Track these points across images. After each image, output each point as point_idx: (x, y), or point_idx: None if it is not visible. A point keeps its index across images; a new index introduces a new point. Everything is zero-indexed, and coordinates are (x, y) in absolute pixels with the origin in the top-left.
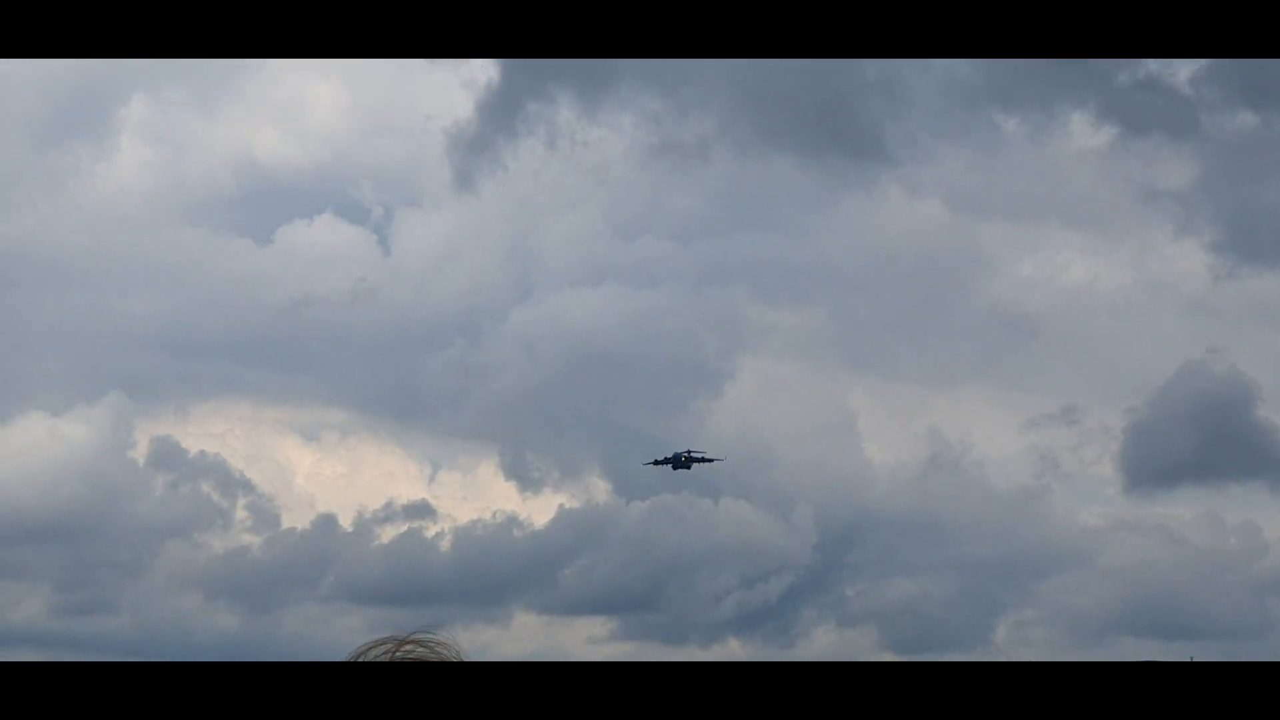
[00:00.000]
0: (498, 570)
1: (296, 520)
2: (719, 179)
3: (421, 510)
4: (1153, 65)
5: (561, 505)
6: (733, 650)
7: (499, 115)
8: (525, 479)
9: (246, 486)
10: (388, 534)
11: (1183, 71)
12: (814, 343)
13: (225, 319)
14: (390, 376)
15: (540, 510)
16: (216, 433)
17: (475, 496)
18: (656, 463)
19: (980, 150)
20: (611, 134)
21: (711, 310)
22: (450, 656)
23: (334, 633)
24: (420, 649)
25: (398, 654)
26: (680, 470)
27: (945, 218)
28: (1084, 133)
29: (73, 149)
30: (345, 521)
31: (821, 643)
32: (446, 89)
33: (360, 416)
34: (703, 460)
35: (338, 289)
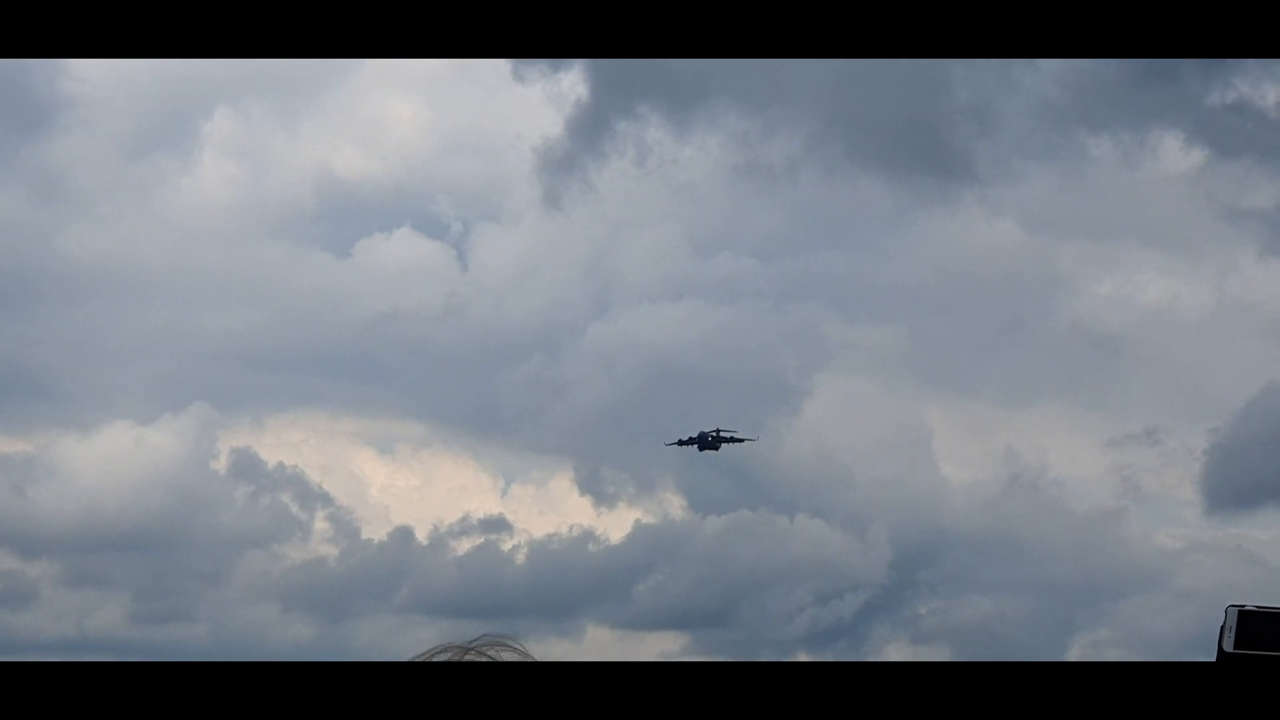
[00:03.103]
0: (572, 584)
1: (374, 532)
2: (802, 198)
3: (497, 524)
4: (1243, 88)
5: (638, 520)
6: None
7: (587, 134)
8: (600, 494)
9: (325, 499)
10: (463, 546)
11: (1271, 95)
12: (891, 361)
13: (304, 331)
14: (467, 390)
15: (616, 525)
16: (292, 443)
17: (550, 510)
18: (681, 443)
19: (1067, 171)
20: (698, 153)
21: (790, 327)
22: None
23: (406, 644)
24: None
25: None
26: (708, 451)
27: (1023, 237)
28: (1173, 156)
29: (158, 162)
30: (421, 534)
31: (894, 660)
32: (528, 106)
33: (435, 429)
34: (733, 440)
35: (424, 303)
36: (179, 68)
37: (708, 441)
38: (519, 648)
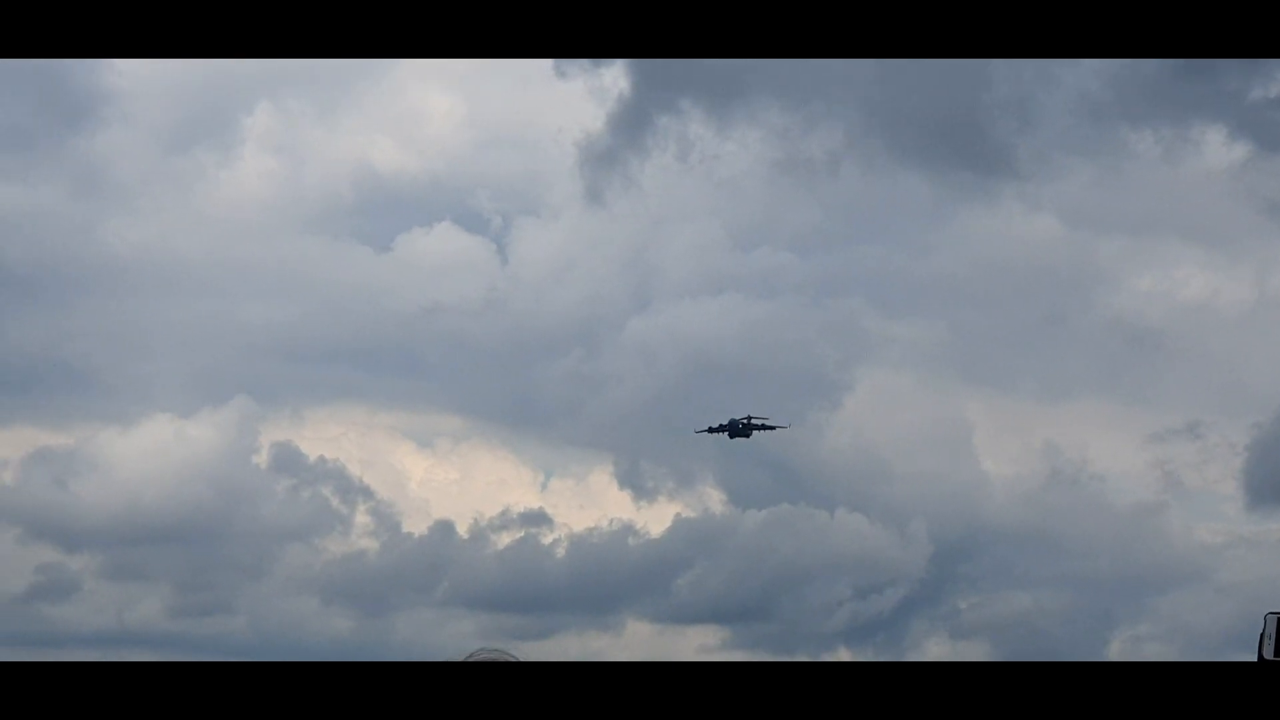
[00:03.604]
0: (612, 578)
1: (415, 526)
2: (842, 192)
3: (538, 518)
4: None
5: (678, 514)
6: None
7: (629, 129)
8: (640, 488)
9: (366, 492)
10: (503, 540)
11: None
12: (931, 355)
13: (343, 325)
14: (506, 384)
15: (656, 519)
16: (331, 436)
17: (590, 504)
18: (711, 430)
19: (1107, 167)
20: (739, 148)
21: (830, 322)
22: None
23: (446, 637)
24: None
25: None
26: (739, 438)
27: (1063, 232)
28: (1216, 151)
29: (198, 156)
30: (462, 528)
31: (933, 654)
32: (569, 101)
33: (474, 423)
34: (764, 427)
35: (464, 297)
36: (219, 62)
37: (739, 429)
38: (514, 659)
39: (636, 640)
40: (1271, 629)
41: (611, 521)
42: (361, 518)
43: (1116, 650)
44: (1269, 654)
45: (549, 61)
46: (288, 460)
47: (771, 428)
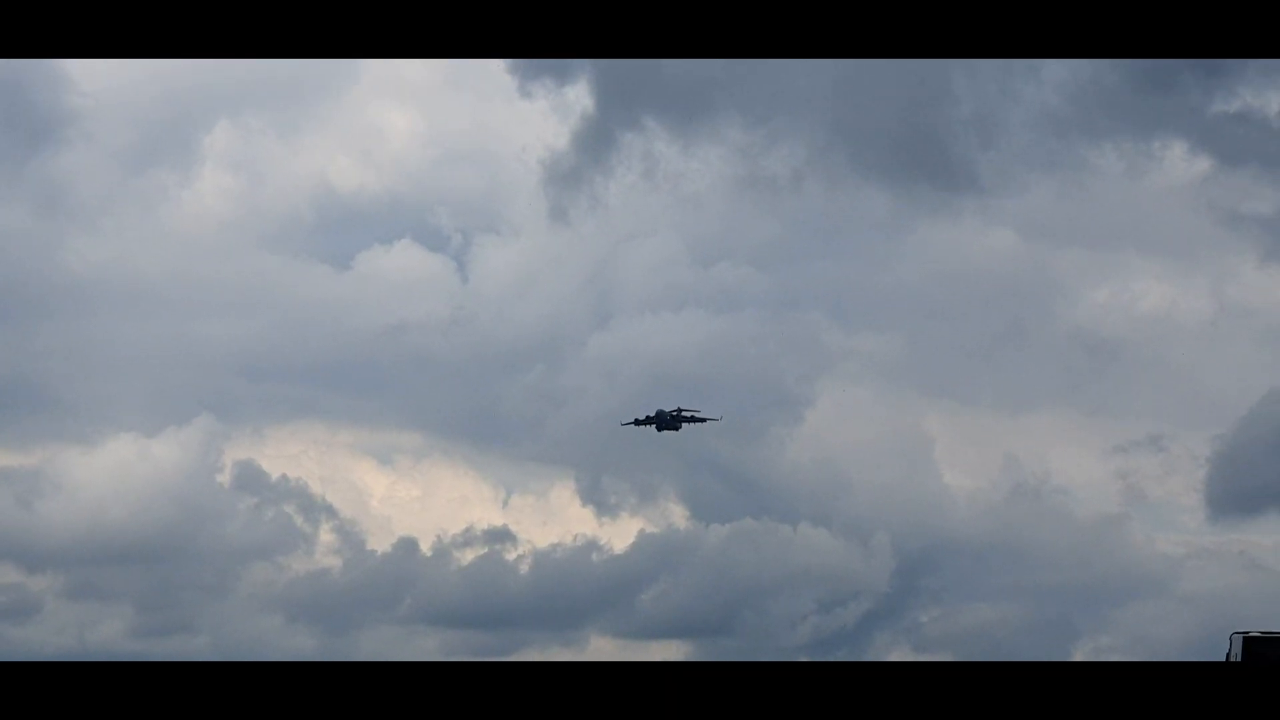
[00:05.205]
0: (576, 594)
1: (378, 544)
2: (803, 208)
3: (501, 535)
4: (1247, 96)
5: (642, 530)
6: None
7: (592, 145)
8: (603, 504)
9: (329, 510)
10: (467, 557)
11: (1275, 102)
12: (891, 368)
13: (303, 342)
14: (467, 401)
15: (620, 535)
16: (291, 454)
17: (552, 521)
18: (637, 422)
19: (1069, 181)
20: (703, 165)
21: (791, 335)
22: None
23: (410, 655)
24: None
25: None
26: (667, 431)
27: (1021, 246)
28: (1178, 165)
29: (158, 176)
30: (425, 545)
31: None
32: (531, 118)
33: (435, 440)
34: (694, 419)
35: (424, 314)
36: (180, 80)
37: (667, 420)
38: None
39: (600, 656)
40: (1237, 650)
41: (575, 537)
42: (325, 536)
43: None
44: None
45: (512, 79)
46: (250, 479)
47: (702, 419)
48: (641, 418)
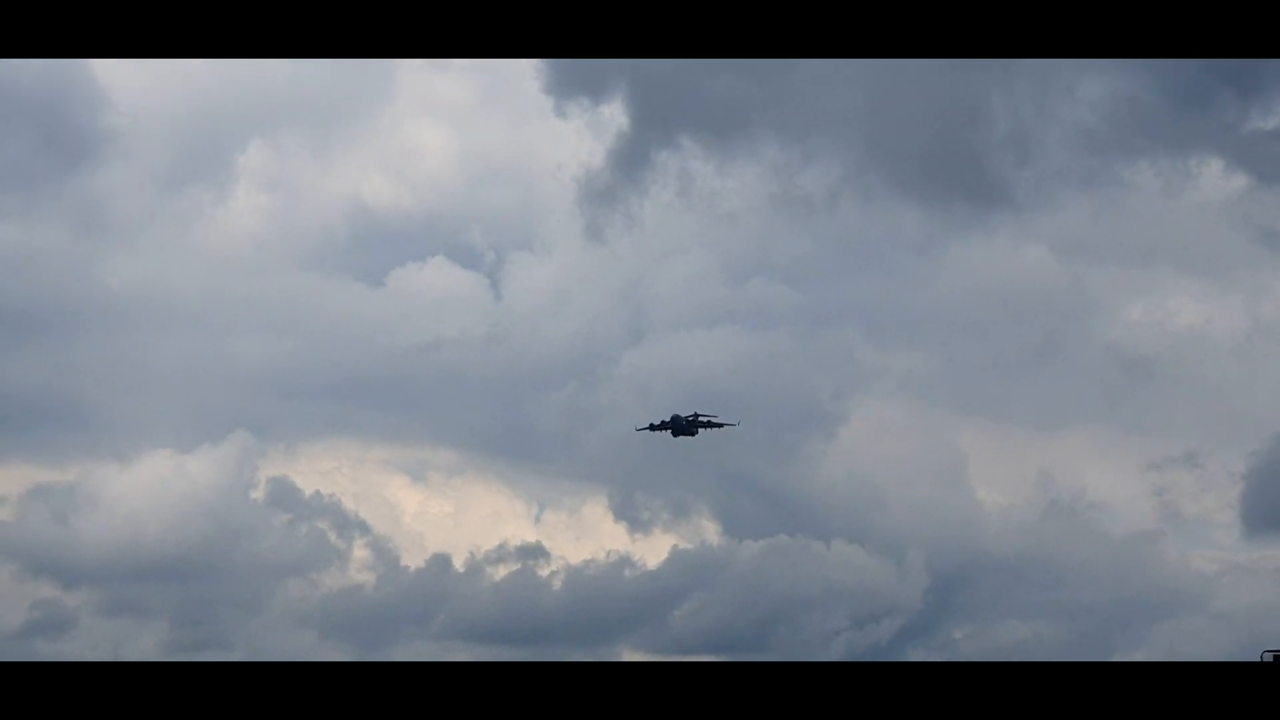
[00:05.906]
0: (608, 610)
1: (412, 560)
2: (837, 225)
3: (534, 551)
4: None
5: (675, 546)
6: None
7: (628, 164)
8: (635, 520)
9: (362, 527)
10: (500, 573)
11: None
12: (926, 385)
13: (336, 360)
14: (500, 417)
15: (653, 551)
16: (325, 470)
17: (585, 537)
18: (652, 427)
19: (1105, 199)
20: (739, 184)
21: (825, 353)
22: None
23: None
24: None
25: None
26: (683, 436)
27: (1056, 263)
28: (1214, 182)
29: (194, 195)
30: (458, 561)
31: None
32: (564, 137)
33: (468, 456)
34: (710, 425)
35: (458, 331)
36: (215, 100)
37: (683, 426)
38: None
39: None
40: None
41: (608, 554)
42: (359, 552)
43: None
44: None
45: (547, 98)
46: (284, 495)
47: (719, 425)
48: (657, 422)
